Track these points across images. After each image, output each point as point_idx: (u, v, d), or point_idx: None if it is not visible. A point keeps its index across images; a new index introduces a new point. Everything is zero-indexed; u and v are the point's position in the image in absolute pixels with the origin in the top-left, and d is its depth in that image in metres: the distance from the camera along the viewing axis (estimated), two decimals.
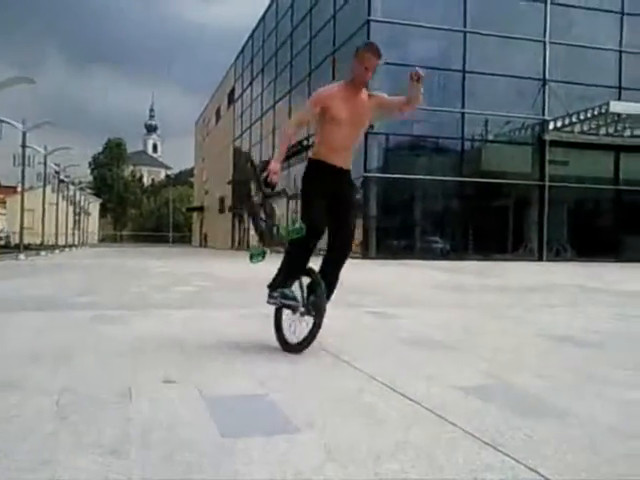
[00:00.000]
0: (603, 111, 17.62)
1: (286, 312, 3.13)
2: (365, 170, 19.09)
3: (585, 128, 19.35)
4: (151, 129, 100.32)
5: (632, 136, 19.90)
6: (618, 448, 1.69)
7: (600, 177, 20.35)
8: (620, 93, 20.02)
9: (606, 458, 1.61)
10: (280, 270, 3.15)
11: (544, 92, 20.01)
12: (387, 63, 18.75)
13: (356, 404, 2.10)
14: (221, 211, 40.69)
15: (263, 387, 2.32)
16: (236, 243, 35.06)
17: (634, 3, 20.71)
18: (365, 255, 18.11)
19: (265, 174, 2.97)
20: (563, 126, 19.32)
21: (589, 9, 20.40)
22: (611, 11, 20.77)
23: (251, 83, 35.52)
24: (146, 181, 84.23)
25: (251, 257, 3.21)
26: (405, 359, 2.95)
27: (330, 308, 3.05)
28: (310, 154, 3.23)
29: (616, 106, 17.58)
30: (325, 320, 2.96)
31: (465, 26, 19.62)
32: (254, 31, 35.07)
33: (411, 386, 2.35)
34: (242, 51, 37.81)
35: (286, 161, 4.44)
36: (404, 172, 19.20)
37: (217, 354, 2.98)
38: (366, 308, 5.07)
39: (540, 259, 19.11)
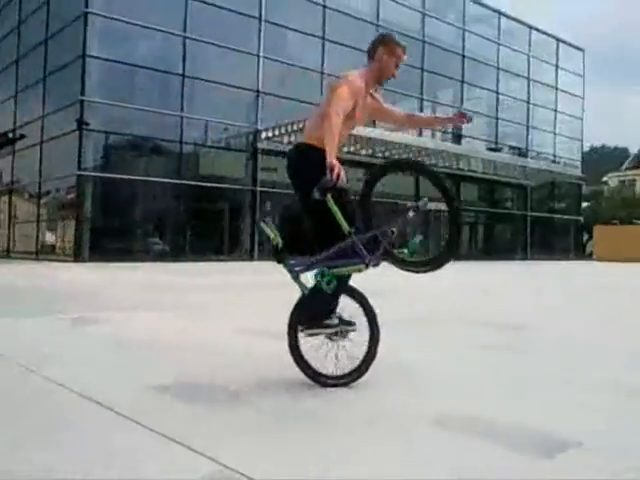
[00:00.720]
0: (304, 125, 20.11)
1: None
2: (79, 168, 18.43)
3: (292, 139, 21.84)
4: None
5: None
6: None
7: None
8: None
9: None
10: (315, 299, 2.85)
11: (258, 103, 21.89)
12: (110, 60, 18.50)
13: None
14: None
15: None
16: None
17: (334, 30, 23.88)
18: (77, 258, 17.53)
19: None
20: (274, 136, 21.48)
21: (296, 31, 23.04)
22: (314, 35, 23.72)
23: None
24: None
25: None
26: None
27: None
28: (312, 141, 2.82)
29: None
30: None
31: (185, 31, 20.28)
32: None
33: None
34: None
35: None
36: (123, 172, 19.11)
37: None
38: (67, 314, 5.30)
39: (252, 259, 20.96)
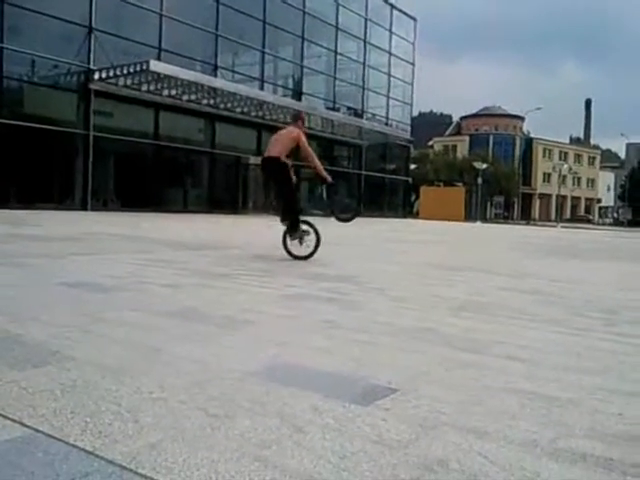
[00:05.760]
0: (144, 68, 20.24)
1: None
2: None
3: (129, 82, 21.83)
4: None
5: (169, 96, 23.57)
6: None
7: (143, 131, 23.38)
8: (160, 54, 23.24)
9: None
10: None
11: (90, 40, 21.41)
12: None
13: None
14: None
15: None
16: None
17: None
18: None
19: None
20: (108, 77, 21.17)
21: None
22: None
23: None
24: None
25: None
26: None
27: None
28: (283, 158, 7.01)
29: (155, 66, 20.51)
30: None
31: None
32: None
33: None
34: None
35: None
36: None
37: None
38: None
39: (85, 209, 20.89)
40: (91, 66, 21.29)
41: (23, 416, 1.78)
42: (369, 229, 18.25)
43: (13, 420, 1.75)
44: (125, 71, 20.57)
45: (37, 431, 1.68)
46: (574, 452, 1.72)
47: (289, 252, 7.01)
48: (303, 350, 2.76)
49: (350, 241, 12.23)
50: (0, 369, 2.22)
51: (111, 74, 21.05)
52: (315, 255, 6.95)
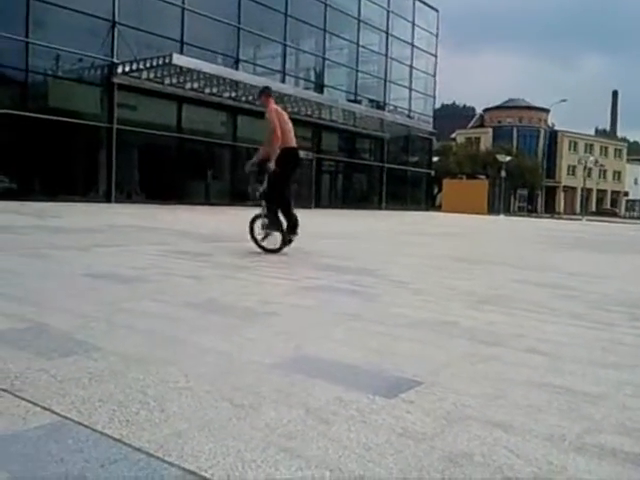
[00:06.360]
0: (167, 62, 20.40)
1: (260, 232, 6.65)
2: None
3: (152, 76, 21.98)
4: None
5: (192, 89, 23.69)
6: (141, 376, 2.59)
7: (165, 124, 23.54)
8: (182, 47, 23.36)
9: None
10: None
11: (113, 34, 21.61)
12: None
13: None
14: None
15: None
16: None
17: None
18: None
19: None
20: (131, 71, 21.34)
21: None
22: None
23: None
24: None
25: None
26: None
27: None
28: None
29: (178, 59, 20.64)
30: None
31: None
32: None
33: None
34: None
35: None
36: None
37: None
38: None
39: (109, 201, 21.15)
40: (114, 60, 21.47)
41: (52, 403, 1.82)
42: (390, 222, 18.17)
43: (43, 407, 1.79)
44: (148, 64, 20.72)
45: (66, 418, 1.72)
46: (602, 447, 1.70)
47: (257, 241, 6.71)
48: (325, 342, 2.76)
49: (370, 234, 12.22)
50: (29, 357, 2.26)
51: (134, 67, 21.21)
52: (337, 247, 6.93)
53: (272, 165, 6.39)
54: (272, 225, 6.58)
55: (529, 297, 4.50)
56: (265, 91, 7.03)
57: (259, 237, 6.68)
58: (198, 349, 2.52)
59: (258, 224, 6.70)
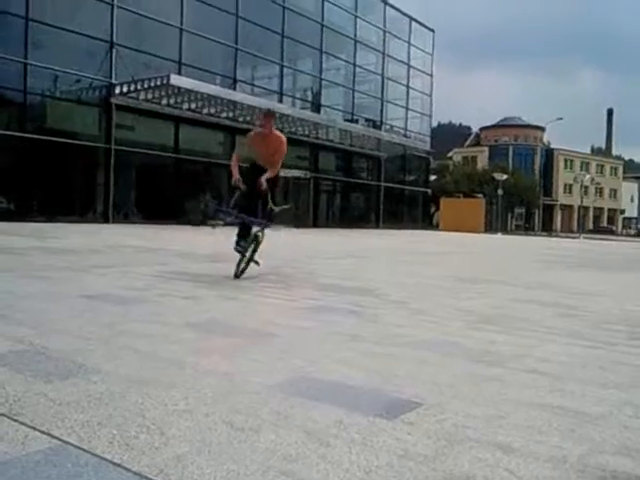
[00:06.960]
0: (165, 82, 20.57)
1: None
2: None
3: (150, 96, 22.14)
4: None
5: (189, 109, 23.86)
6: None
7: (163, 145, 23.64)
8: (180, 68, 23.57)
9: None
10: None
11: (111, 55, 21.79)
12: None
13: None
14: None
15: None
16: None
17: None
18: None
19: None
20: (129, 92, 21.49)
21: None
22: None
23: None
24: None
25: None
26: None
27: None
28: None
29: (176, 80, 20.82)
30: None
31: None
32: None
33: None
34: None
35: None
36: None
37: None
38: None
39: (107, 221, 21.14)
40: (112, 80, 21.62)
41: (52, 427, 1.81)
42: (388, 241, 18.22)
43: (42, 431, 1.78)
44: (146, 85, 20.88)
45: (66, 443, 1.71)
46: (604, 469, 1.70)
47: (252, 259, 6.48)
48: (326, 363, 2.76)
49: (369, 253, 12.24)
50: (28, 381, 2.26)
51: (132, 88, 21.36)
52: (336, 267, 6.94)
53: (265, 184, 6.38)
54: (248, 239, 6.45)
55: (530, 316, 4.50)
56: (271, 113, 7.17)
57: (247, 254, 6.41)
58: (198, 371, 2.51)
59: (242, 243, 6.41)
